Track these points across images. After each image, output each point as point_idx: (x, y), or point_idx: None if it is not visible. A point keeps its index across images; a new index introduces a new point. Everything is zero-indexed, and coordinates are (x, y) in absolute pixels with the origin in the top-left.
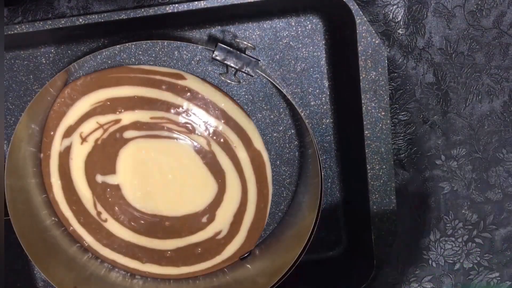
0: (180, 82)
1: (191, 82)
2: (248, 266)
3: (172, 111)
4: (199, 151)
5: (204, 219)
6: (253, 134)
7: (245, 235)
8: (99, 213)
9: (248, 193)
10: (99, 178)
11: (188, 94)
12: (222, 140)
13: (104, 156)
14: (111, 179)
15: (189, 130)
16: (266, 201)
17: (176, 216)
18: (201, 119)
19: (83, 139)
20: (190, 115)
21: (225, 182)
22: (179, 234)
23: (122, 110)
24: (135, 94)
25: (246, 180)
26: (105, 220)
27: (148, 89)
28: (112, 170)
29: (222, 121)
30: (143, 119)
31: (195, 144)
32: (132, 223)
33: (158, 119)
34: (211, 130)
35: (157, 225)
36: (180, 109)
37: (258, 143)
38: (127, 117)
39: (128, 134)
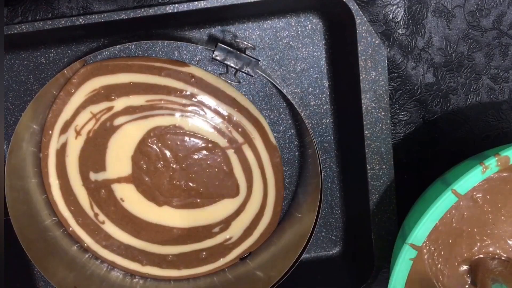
0: (182, 69)
1: (195, 70)
2: (248, 261)
3: (174, 94)
4: (221, 132)
5: (216, 229)
6: (267, 127)
7: (255, 239)
8: (96, 215)
9: (268, 197)
10: (92, 176)
11: (193, 79)
12: (240, 129)
13: (95, 150)
14: (102, 177)
15: (199, 112)
16: (281, 203)
17: (184, 227)
18: (210, 105)
19: (77, 133)
20: (197, 99)
21: (252, 186)
22: (184, 241)
23: (116, 97)
24: (131, 81)
25: (267, 180)
26: (103, 222)
27: (146, 75)
28: (102, 167)
29: (235, 109)
30: (137, 103)
31: (214, 123)
32: (131, 228)
33: (155, 101)
34: (225, 117)
35: (159, 233)
36: (184, 93)
37: (272, 137)
38: (120, 103)
39: (118, 121)
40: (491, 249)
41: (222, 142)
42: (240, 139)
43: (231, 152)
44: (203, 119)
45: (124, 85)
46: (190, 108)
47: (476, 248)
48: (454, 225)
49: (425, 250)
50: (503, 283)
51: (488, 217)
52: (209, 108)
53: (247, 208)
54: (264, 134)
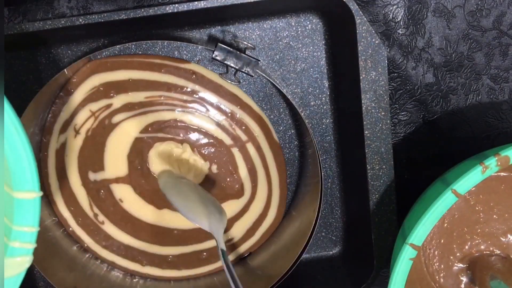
0: (183, 65)
1: (196, 66)
2: (248, 261)
3: (174, 91)
4: (224, 129)
5: None
6: (270, 125)
7: (256, 239)
8: (95, 215)
9: (272, 197)
10: (91, 176)
11: (194, 76)
12: (244, 127)
13: (94, 149)
14: (100, 177)
15: (200, 109)
16: (285, 203)
17: (185, 229)
18: (212, 101)
19: (76, 132)
20: (198, 96)
21: (257, 186)
22: (185, 242)
23: (114, 94)
24: (130, 77)
25: (272, 180)
26: (102, 223)
27: (146, 72)
28: (101, 166)
29: (238, 106)
30: (136, 100)
31: (216, 119)
32: (131, 229)
33: (155, 97)
34: (228, 114)
35: (159, 234)
36: (185, 89)
37: (275, 136)
38: (119, 100)
39: (116, 118)
40: (482, 247)
41: (227, 139)
42: (244, 137)
43: (235, 151)
44: (206, 116)
45: (123, 82)
46: (191, 105)
47: (467, 247)
48: (445, 225)
49: (421, 251)
50: (501, 280)
51: (479, 216)
52: (211, 104)
53: (251, 208)
54: (268, 132)
